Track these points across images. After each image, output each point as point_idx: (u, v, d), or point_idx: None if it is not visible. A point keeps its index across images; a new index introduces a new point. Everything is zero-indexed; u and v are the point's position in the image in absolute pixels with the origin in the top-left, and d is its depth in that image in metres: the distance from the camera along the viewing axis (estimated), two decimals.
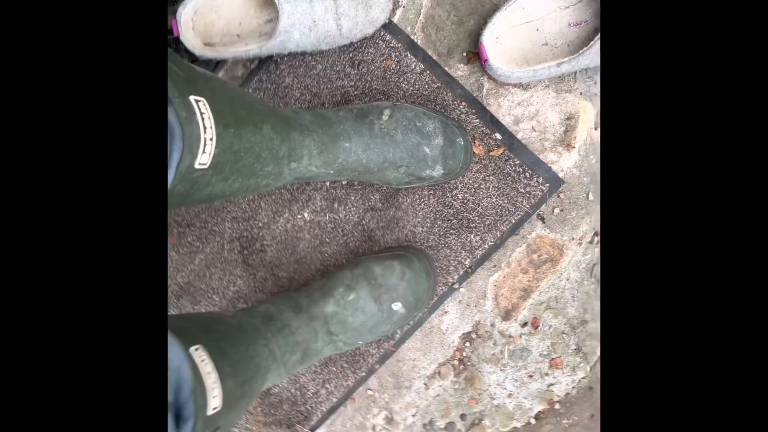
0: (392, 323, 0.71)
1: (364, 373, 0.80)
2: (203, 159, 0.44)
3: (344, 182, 0.75)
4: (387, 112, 0.67)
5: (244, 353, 0.56)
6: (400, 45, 0.73)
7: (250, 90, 0.78)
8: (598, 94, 0.69)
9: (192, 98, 0.43)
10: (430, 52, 0.73)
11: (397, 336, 0.78)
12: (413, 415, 0.80)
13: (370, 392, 0.81)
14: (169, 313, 0.83)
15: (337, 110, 0.67)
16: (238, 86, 0.78)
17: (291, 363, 0.66)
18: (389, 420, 0.81)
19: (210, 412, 0.45)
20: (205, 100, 0.44)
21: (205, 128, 0.43)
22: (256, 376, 0.57)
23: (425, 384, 0.79)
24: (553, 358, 0.76)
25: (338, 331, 0.70)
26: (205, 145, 0.44)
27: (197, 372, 0.44)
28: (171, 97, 0.40)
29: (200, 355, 0.46)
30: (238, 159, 0.50)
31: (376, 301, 0.69)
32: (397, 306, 0.70)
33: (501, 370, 0.77)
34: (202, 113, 0.44)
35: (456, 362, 0.78)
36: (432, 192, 0.74)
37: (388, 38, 0.73)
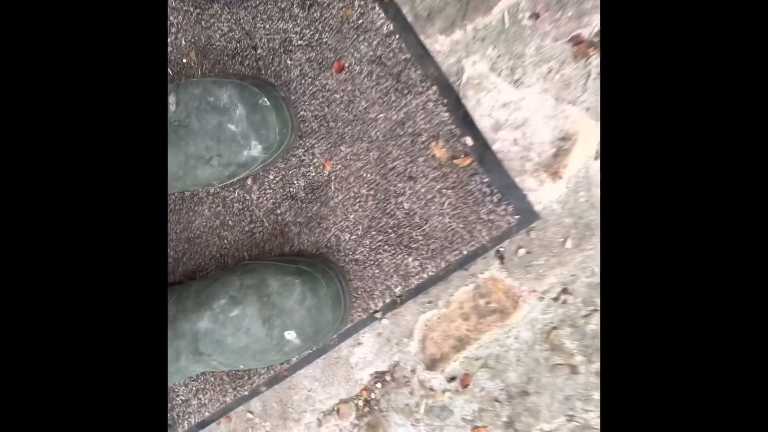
0: (283, 353, 0.55)
1: (246, 393, 0.64)
2: None
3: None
4: (171, 99, 0.52)
5: None
6: None
7: (168, 9, 0.58)
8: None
9: None
10: (405, 11, 0.55)
11: (294, 360, 0.62)
12: None
13: (249, 415, 0.65)
14: None
15: None
16: None
17: None
18: None
19: None
20: None
21: None
22: None
23: (319, 420, 0.64)
24: (476, 427, 0.60)
25: (211, 351, 0.54)
26: None
27: None
28: None
29: None
30: None
31: (265, 324, 0.53)
32: (290, 335, 0.53)
33: (412, 425, 0.62)
34: None
35: (361, 403, 0.63)
36: (372, 193, 0.57)
37: None
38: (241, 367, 0.56)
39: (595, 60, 0.52)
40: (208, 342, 0.53)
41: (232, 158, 0.53)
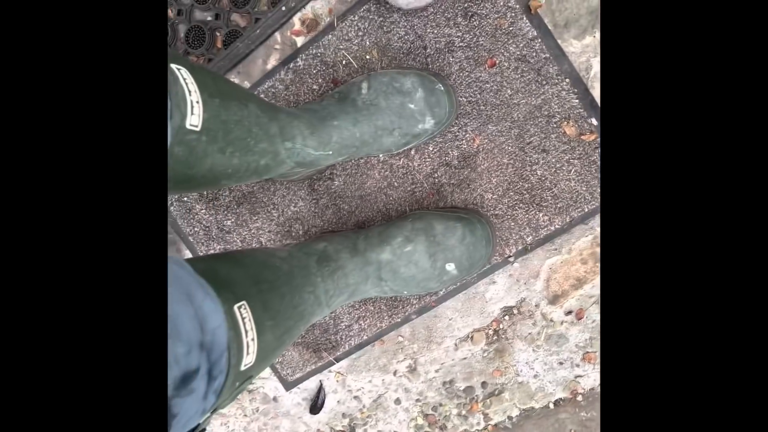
0: (441, 282, 0.72)
1: (399, 320, 0.81)
2: (193, 120, 0.46)
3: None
4: (365, 85, 0.69)
5: (288, 303, 0.56)
6: (518, 6, 0.71)
7: (356, 18, 0.76)
8: None
9: (173, 65, 0.45)
10: (546, 21, 0.71)
11: (441, 293, 0.79)
12: (436, 371, 0.82)
13: (400, 339, 0.82)
14: (221, 246, 0.85)
15: (320, 101, 0.71)
16: (345, 10, 0.77)
17: (336, 303, 0.68)
18: (412, 369, 0.83)
19: (242, 368, 0.46)
20: (185, 69, 0.47)
21: (189, 91, 0.46)
22: (298, 324, 0.58)
23: (455, 345, 0.80)
24: (587, 352, 0.76)
25: (388, 278, 0.70)
26: (192, 106, 0.46)
27: (237, 330, 0.45)
28: None
29: (242, 314, 0.46)
30: (229, 130, 0.52)
31: (431, 258, 0.70)
32: (450, 266, 0.70)
33: (533, 350, 0.78)
34: (184, 78, 0.46)
35: (491, 332, 0.79)
36: (512, 162, 0.73)
37: None
38: (405, 293, 0.73)
39: None
40: (387, 270, 0.70)
41: (410, 130, 0.70)
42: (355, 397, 0.86)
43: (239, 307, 0.45)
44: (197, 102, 0.46)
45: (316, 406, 0.88)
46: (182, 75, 0.45)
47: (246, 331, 0.45)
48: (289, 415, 0.90)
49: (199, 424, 0.45)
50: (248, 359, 0.45)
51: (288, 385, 0.89)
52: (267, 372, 0.89)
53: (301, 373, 0.88)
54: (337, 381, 0.87)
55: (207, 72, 0.51)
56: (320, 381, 0.87)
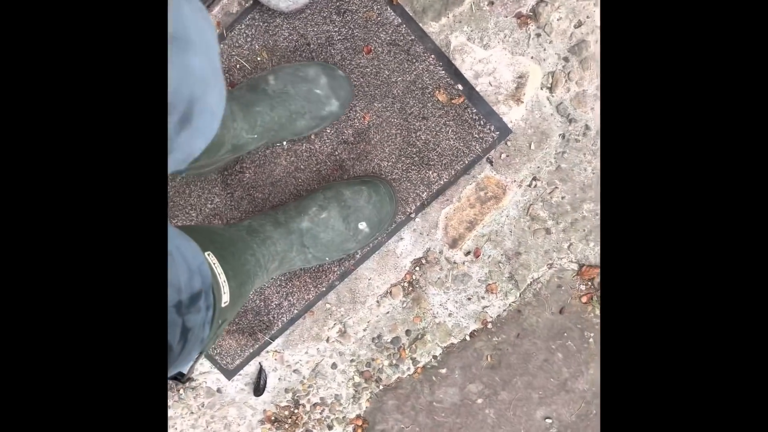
0: (357, 241, 0.81)
1: (324, 288, 0.90)
2: None
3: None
4: (271, 77, 0.78)
5: (238, 260, 0.64)
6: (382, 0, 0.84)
7: (243, 26, 0.86)
8: (547, 58, 0.82)
9: None
10: (407, 9, 0.84)
11: (358, 256, 0.88)
12: (364, 329, 0.91)
13: (328, 306, 0.91)
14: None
15: (231, 92, 0.79)
16: (232, 21, 0.86)
17: (271, 269, 0.76)
18: (342, 333, 0.92)
19: (222, 305, 0.54)
20: None
21: None
22: (248, 280, 0.66)
23: (377, 301, 0.90)
24: (489, 284, 0.88)
25: (310, 244, 0.79)
26: None
27: (212, 270, 0.52)
28: None
29: (212, 260, 0.54)
30: None
31: (345, 221, 0.79)
32: (362, 225, 0.80)
33: (444, 292, 0.89)
34: None
35: (406, 284, 0.90)
36: (399, 132, 0.85)
37: None
38: (327, 259, 0.82)
39: (533, 26, 0.82)
40: (309, 237, 0.79)
41: (317, 113, 0.80)
42: (295, 371, 0.93)
43: (208, 255, 0.53)
44: None
45: (258, 388, 0.94)
46: None
47: (219, 274, 0.53)
48: (235, 403, 0.95)
49: (183, 374, 0.52)
50: (225, 297, 0.53)
51: (229, 374, 0.94)
52: (207, 366, 0.94)
53: (241, 359, 0.94)
54: (276, 359, 0.93)
55: None
56: (259, 363, 0.94)
